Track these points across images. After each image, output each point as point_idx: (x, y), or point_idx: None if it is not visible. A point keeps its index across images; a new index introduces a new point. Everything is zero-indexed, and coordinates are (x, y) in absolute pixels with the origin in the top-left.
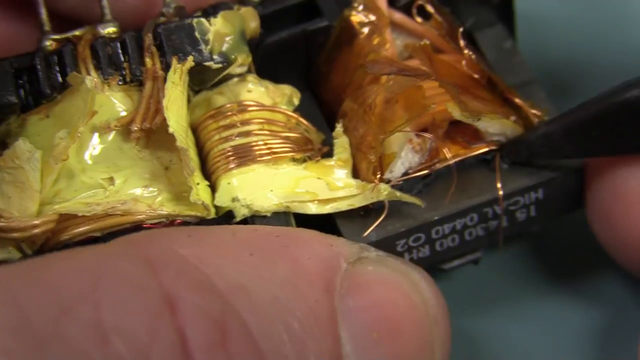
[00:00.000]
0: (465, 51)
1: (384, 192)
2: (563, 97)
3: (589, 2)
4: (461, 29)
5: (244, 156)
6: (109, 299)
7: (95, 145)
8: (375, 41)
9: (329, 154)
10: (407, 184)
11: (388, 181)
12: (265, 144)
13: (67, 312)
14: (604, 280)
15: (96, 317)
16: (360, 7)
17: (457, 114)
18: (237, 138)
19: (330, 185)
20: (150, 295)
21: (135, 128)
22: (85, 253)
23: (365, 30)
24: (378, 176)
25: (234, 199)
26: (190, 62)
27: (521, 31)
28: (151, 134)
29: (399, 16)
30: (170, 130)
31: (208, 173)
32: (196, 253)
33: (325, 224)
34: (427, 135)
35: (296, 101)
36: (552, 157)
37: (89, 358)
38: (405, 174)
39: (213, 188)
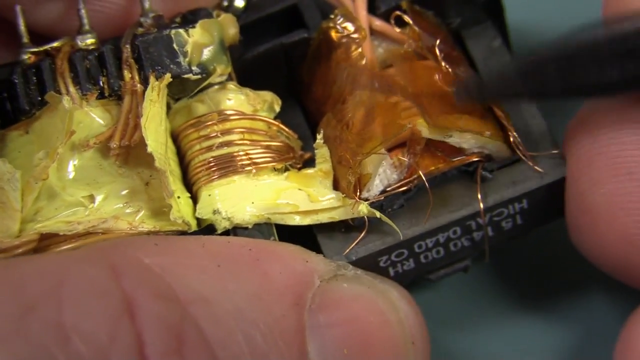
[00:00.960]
0: (443, 64)
1: (364, 210)
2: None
3: (585, 6)
4: (438, 42)
5: (225, 167)
6: (71, 300)
7: (74, 163)
8: (353, 54)
9: (311, 161)
10: (387, 200)
11: (366, 200)
12: (247, 154)
13: (30, 310)
14: (585, 297)
15: (58, 317)
16: (340, 19)
17: (426, 131)
18: (218, 148)
19: (312, 196)
20: (111, 299)
21: (114, 145)
22: (51, 256)
23: (344, 41)
24: (358, 194)
25: (215, 211)
26: (167, 78)
27: (514, 34)
28: (131, 149)
29: (379, 23)
30: (149, 149)
31: (189, 183)
32: (160, 262)
33: (306, 240)
34: (401, 157)
35: (277, 108)
36: (503, 95)
37: (50, 355)
38: (384, 191)
39: (194, 199)
